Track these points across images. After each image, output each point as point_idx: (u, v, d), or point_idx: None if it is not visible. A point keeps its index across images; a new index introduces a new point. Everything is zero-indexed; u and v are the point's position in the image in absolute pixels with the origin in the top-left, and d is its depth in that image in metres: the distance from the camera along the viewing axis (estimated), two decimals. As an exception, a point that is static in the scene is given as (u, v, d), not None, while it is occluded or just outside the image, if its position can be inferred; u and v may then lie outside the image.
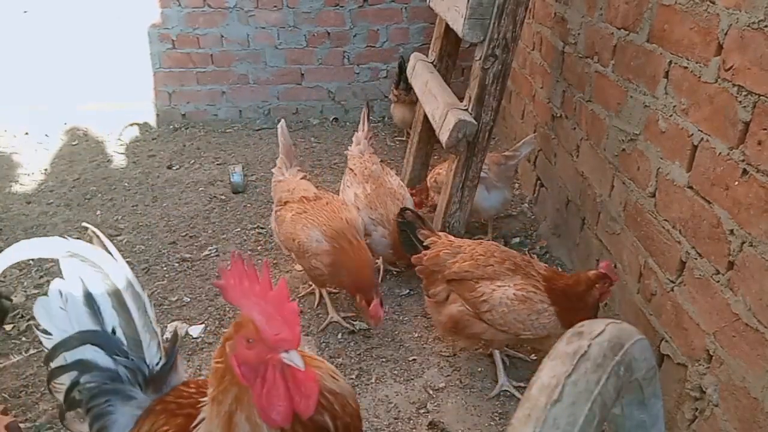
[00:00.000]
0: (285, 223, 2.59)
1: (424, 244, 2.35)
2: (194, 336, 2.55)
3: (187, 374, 2.34)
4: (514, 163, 3.05)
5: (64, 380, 1.29)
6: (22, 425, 2.01)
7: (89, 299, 1.27)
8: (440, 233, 2.42)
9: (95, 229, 1.35)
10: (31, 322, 2.63)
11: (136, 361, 1.28)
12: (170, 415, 1.25)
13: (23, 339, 2.55)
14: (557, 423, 0.70)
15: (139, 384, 1.29)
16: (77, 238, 3.43)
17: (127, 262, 3.20)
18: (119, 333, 1.29)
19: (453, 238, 2.38)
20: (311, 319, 2.64)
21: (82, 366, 1.27)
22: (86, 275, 1.27)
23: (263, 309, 1.00)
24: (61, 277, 1.29)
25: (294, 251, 2.57)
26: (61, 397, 1.30)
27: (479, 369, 2.36)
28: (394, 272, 2.98)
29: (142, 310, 1.29)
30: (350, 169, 2.99)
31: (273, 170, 2.94)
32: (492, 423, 2.10)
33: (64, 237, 1.24)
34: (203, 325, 2.61)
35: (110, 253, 1.30)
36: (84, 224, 1.40)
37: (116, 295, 1.26)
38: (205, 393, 1.19)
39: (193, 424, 1.15)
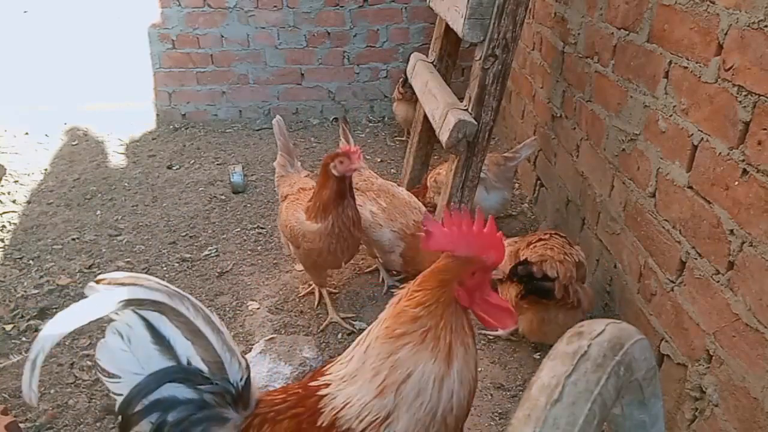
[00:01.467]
0: (281, 214, 2.61)
1: (552, 277, 2.15)
2: (194, 336, 2.55)
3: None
4: (514, 164, 3.06)
5: (144, 426, 1.21)
6: (22, 425, 2.01)
7: (157, 336, 1.18)
8: (530, 260, 2.24)
9: (127, 274, 1.22)
10: (30, 322, 2.63)
11: (221, 384, 1.22)
12: (273, 422, 1.25)
13: (23, 339, 2.55)
14: (557, 423, 0.70)
15: (229, 404, 1.25)
16: (75, 239, 3.40)
17: (127, 262, 3.22)
18: (196, 362, 1.21)
19: (533, 248, 2.31)
20: (311, 319, 2.64)
21: (164, 405, 1.20)
22: (145, 314, 1.17)
23: (481, 243, 1.23)
24: (111, 319, 1.19)
25: (291, 241, 2.55)
26: None
27: (479, 369, 2.36)
28: (394, 273, 2.96)
29: (216, 330, 1.22)
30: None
31: (274, 164, 2.91)
32: (492, 423, 2.10)
33: (108, 287, 1.12)
34: (203, 325, 2.61)
35: (162, 284, 1.19)
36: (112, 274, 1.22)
37: (186, 324, 1.18)
38: (293, 397, 1.28)
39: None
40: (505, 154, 3.09)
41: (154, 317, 1.17)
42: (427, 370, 1.17)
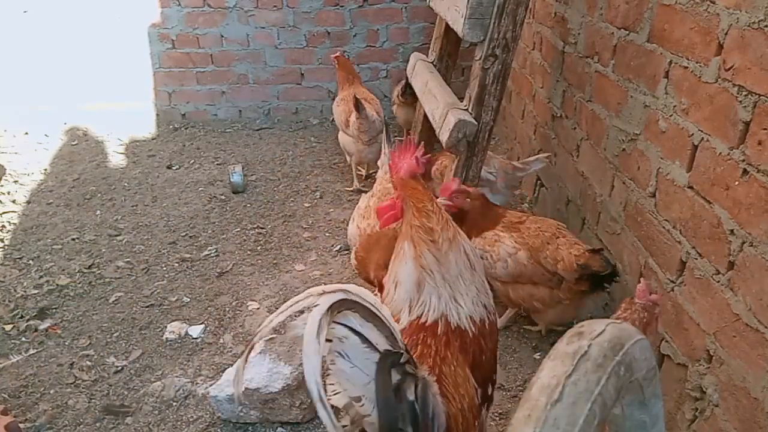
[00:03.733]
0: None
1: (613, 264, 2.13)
2: (194, 336, 2.55)
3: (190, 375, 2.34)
4: (521, 175, 3.09)
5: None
6: (21, 425, 2.01)
7: (361, 336, 1.17)
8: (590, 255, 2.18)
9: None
10: (30, 322, 2.63)
11: (404, 353, 1.23)
12: (439, 367, 1.42)
13: (23, 339, 2.55)
14: (557, 423, 0.70)
15: (414, 365, 1.28)
16: (75, 239, 3.40)
17: (127, 262, 3.22)
18: (382, 344, 1.20)
19: (529, 234, 2.32)
20: (311, 319, 2.64)
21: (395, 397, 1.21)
22: (344, 320, 1.16)
23: (407, 166, 1.61)
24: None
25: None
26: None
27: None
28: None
29: (379, 305, 1.21)
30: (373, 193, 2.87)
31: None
32: (492, 423, 2.10)
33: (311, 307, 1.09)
34: (203, 326, 2.61)
35: (333, 286, 1.17)
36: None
37: (367, 310, 1.17)
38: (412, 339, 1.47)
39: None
40: (515, 164, 3.10)
41: (349, 320, 1.16)
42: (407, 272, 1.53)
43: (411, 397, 1.22)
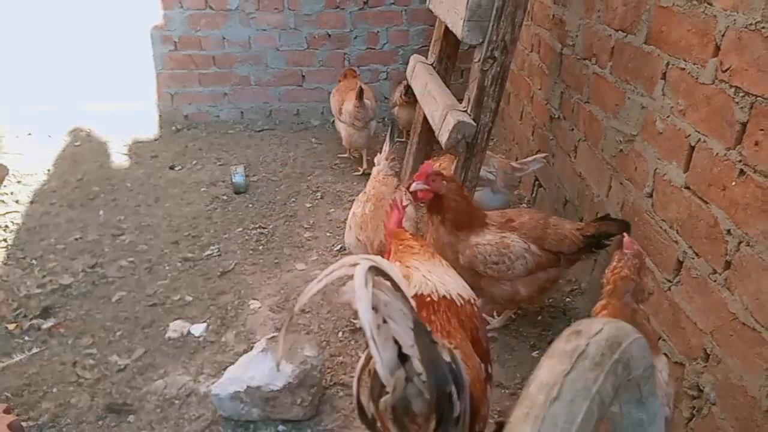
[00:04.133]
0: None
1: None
2: (196, 335, 2.57)
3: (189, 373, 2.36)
4: (520, 175, 3.13)
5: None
6: (24, 424, 2.03)
7: (396, 302, 1.21)
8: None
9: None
10: (33, 321, 2.64)
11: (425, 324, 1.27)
12: (447, 332, 1.53)
13: (26, 338, 2.56)
14: (556, 421, 0.71)
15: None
16: (78, 238, 3.40)
17: (130, 261, 3.23)
18: (408, 313, 1.23)
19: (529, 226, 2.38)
20: (312, 318, 2.66)
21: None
22: (378, 284, 1.18)
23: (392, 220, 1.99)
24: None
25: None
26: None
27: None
28: None
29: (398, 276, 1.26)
30: (366, 191, 2.87)
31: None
32: (491, 421, 2.11)
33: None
34: (205, 324, 2.63)
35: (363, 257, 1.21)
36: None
37: (393, 282, 1.21)
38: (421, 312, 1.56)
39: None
40: (513, 164, 3.13)
41: (384, 289, 1.18)
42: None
43: (448, 358, 1.26)
